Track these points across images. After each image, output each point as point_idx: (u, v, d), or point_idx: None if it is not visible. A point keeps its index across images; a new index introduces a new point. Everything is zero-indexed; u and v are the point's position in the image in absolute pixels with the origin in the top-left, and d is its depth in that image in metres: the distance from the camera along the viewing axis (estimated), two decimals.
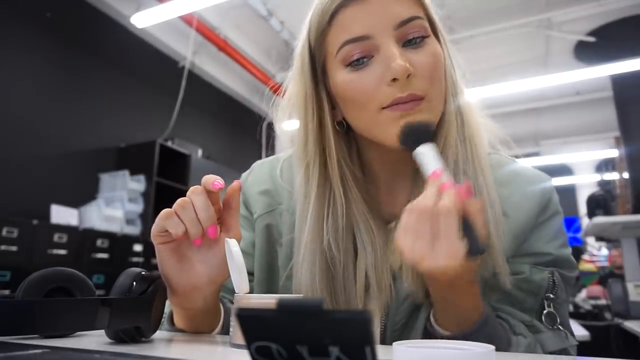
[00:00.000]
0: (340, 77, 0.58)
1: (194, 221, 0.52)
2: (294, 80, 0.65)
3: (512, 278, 0.58)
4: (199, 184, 0.54)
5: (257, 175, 0.74)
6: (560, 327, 0.58)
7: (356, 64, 0.56)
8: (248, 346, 0.22)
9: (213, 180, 0.53)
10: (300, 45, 0.63)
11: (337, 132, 0.63)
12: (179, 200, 0.53)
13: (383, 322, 0.60)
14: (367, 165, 0.66)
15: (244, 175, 0.76)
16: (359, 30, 0.55)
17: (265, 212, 0.70)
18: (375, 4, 0.55)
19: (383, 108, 0.56)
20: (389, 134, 0.56)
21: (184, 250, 0.56)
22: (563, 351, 0.56)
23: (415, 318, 0.59)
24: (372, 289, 0.60)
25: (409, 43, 0.56)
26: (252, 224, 0.71)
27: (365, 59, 0.56)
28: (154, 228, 0.53)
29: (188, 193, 0.53)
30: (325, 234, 0.60)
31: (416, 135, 0.54)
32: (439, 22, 0.62)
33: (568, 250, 0.62)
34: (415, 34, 0.56)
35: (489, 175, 0.59)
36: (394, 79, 0.54)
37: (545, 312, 0.58)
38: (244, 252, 0.56)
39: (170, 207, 0.53)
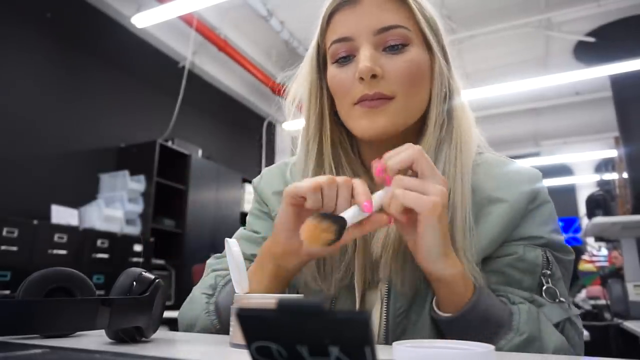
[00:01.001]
0: (329, 72, 0.66)
1: (332, 200, 0.53)
2: (303, 71, 0.72)
3: (507, 259, 0.60)
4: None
5: (268, 179, 0.77)
6: (561, 299, 0.59)
7: (342, 61, 0.64)
8: (248, 346, 0.22)
9: (366, 199, 0.52)
10: (312, 41, 0.70)
11: (336, 122, 0.69)
12: (327, 179, 0.53)
13: (385, 310, 0.61)
14: (364, 161, 0.71)
15: (255, 181, 0.80)
16: (344, 32, 0.63)
17: None
18: (363, 10, 0.62)
19: (355, 104, 0.62)
20: (358, 127, 0.63)
21: (305, 215, 0.57)
22: (567, 321, 0.58)
23: (418, 305, 0.60)
24: (359, 275, 0.62)
25: (390, 49, 0.62)
26: (270, 216, 0.75)
27: (350, 57, 0.63)
28: (295, 190, 0.54)
29: (337, 179, 0.54)
30: None
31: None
32: (437, 32, 0.65)
33: (560, 237, 0.63)
34: (394, 41, 0.61)
35: (468, 181, 0.61)
36: (361, 78, 0.60)
37: (544, 287, 0.59)
38: (265, 238, 0.61)
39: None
